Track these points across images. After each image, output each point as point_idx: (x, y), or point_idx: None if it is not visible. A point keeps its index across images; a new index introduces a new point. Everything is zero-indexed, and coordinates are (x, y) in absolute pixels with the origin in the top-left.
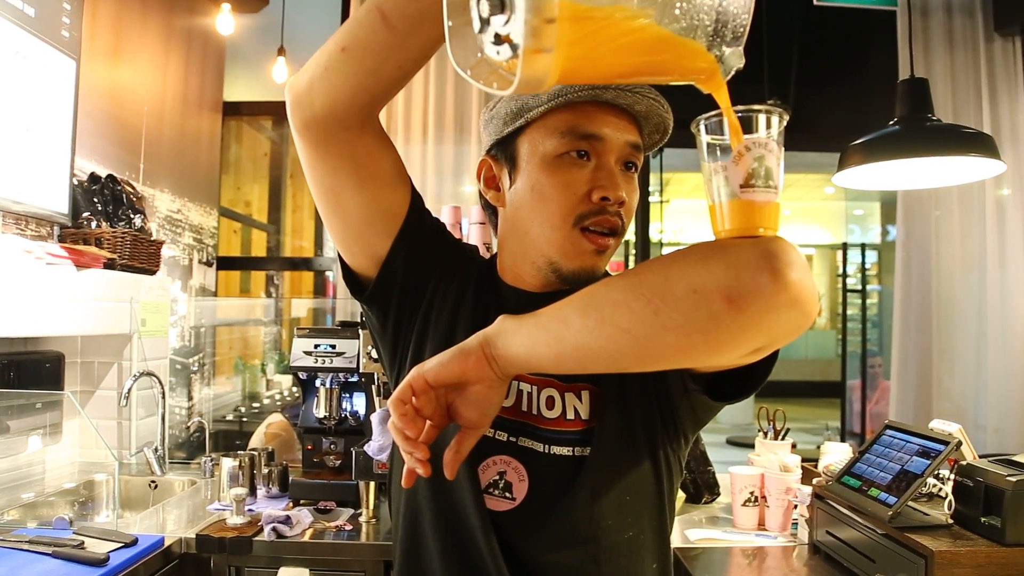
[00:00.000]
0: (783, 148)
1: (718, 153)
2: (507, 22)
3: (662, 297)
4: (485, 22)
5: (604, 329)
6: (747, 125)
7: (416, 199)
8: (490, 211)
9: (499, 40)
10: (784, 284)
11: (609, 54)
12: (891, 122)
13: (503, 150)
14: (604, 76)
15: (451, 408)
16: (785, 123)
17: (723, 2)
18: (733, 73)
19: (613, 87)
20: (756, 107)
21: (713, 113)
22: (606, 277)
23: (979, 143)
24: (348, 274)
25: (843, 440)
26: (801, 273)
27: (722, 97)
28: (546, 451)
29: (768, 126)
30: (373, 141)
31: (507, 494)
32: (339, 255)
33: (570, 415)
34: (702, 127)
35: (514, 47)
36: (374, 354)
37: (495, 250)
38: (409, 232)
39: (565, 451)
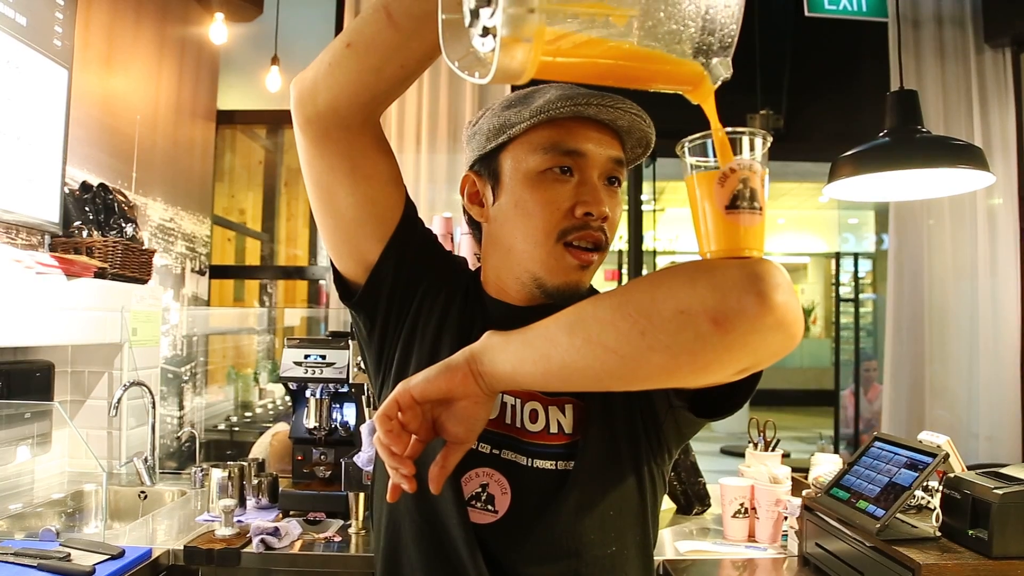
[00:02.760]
0: (767, 169)
1: (703, 173)
2: (493, 14)
3: (648, 317)
4: (474, 15)
5: (590, 348)
6: (732, 147)
7: (410, 207)
8: (474, 226)
9: (486, 32)
10: (770, 307)
11: (590, 53)
12: (880, 134)
13: (486, 166)
14: (585, 76)
15: (437, 423)
16: (768, 145)
17: (709, 10)
18: (720, 83)
19: (595, 102)
20: (740, 129)
21: (697, 135)
22: (591, 292)
23: (968, 155)
24: (338, 279)
25: (836, 449)
26: (787, 295)
27: (709, 108)
28: (529, 464)
29: (752, 148)
30: (372, 143)
31: (489, 507)
32: (330, 260)
33: (553, 429)
34: (686, 149)
35: (496, 37)
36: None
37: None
38: (400, 239)
39: (548, 465)
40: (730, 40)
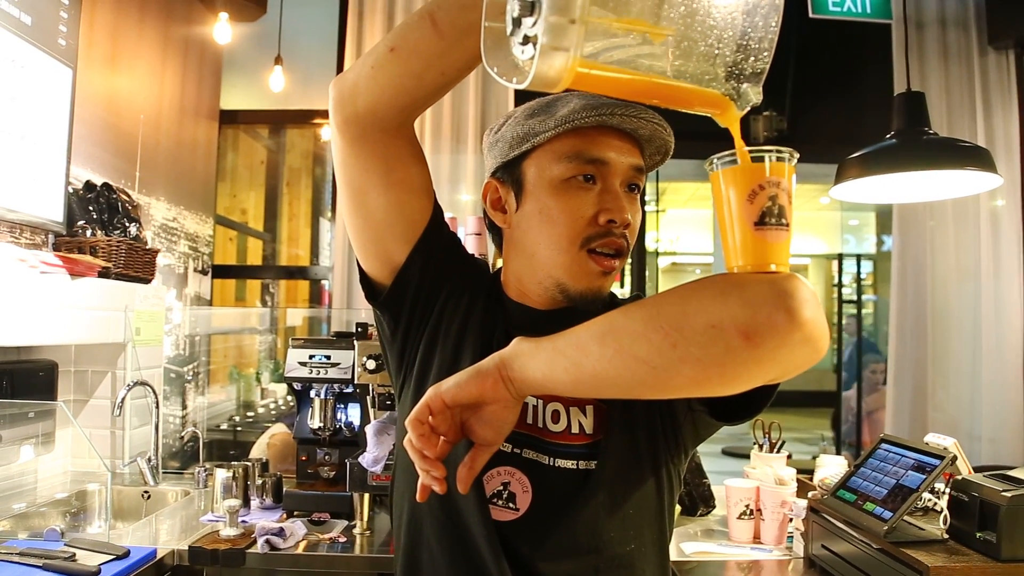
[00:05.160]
0: (794, 185)
1: (732, 191)
2: (535, 23)
3: (680, 330)
4: (516, 23)
5: (622, 358)
6: (759, 164)
7: (437, 212)
8: (494, 231)
9: (526, 40)
10: (799, 322)
11: (626, 70)
12: (888, 136)
13: (509, 173)
14: (619, 90)
15: (465, 425)
16: (796, 161)
17: (745, 36)
18: (749, 108)
19: (619, 112)
20: (767, 148)
21: (727, 153)
22: (613, 298)
23: (976, 157)
24: (364, 279)
25: (838, 450)
26: (814, 311)
27: (736, 131)
28: (551, 464)
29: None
30: (406, 147)
31: (511, 504)
32: (357, 261)
33: (575, 429)
34: (716, 165)
35: (536, 45)
36: (369, 365)
37: (491, 262)
38: (427, 242)
39: (570, 464)
40: (762, 67)
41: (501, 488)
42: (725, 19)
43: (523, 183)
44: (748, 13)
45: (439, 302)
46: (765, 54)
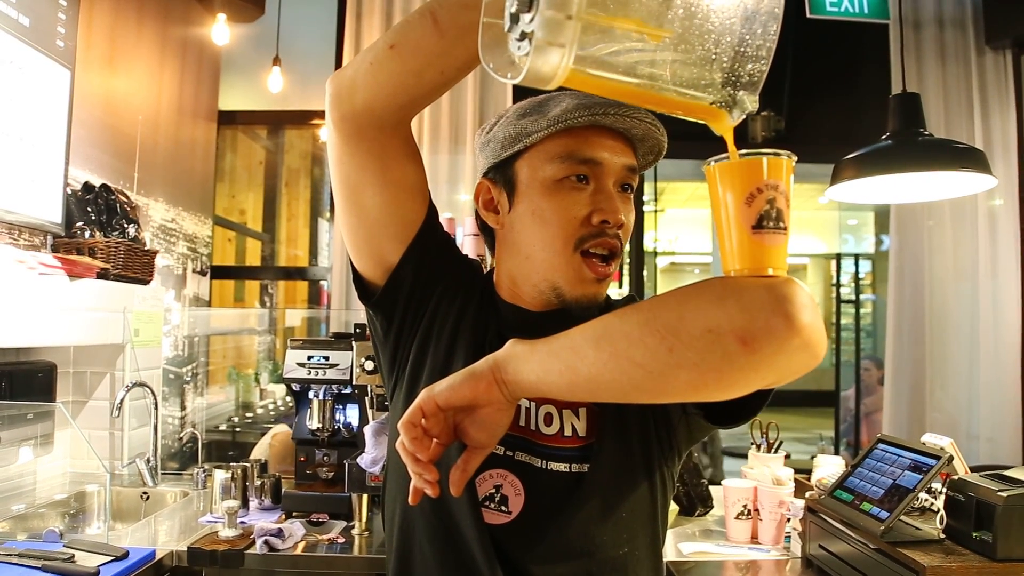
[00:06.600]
0: (792, 188)
1: (730, 194)
2: (532, 19)
3: (676, 335)
4: (514, 19)
5: (618, 363)
6: (757, 167)
7: (432, 213)
8: (486, 232)
9: (523, 37)
10: (797, 328)
11: (621, 71)
12: (883, 136)
13: (501, 174)
14: (613, 91)
15: (458, 428)
16: (794, 162)
17: (742, 43)
18: (744, 116)
19: (612, 112)
20: (764, 150)
21: (724, 156)
22: (608, 300)
23: (971, 158)
24: (357, 279)
25: (836, 450)
26: (812, 316)
27: (730, 139)
28: (543, 467)
29: (777, 167)
30: (402, 146)
31: (503, 508)
32: (350, 261)
33: (567, 432)
34: (713, 168)
35: (532, 40)
36: (368, 366)
37: (488, 263)
38: (421, 242)
39: (562, 467)
40: (759, 76)
41: (493, 491)
42: (723, 24)
43: (515, 183)
44: (747, 20)
45: (432, 303)
46: (763, 61)
